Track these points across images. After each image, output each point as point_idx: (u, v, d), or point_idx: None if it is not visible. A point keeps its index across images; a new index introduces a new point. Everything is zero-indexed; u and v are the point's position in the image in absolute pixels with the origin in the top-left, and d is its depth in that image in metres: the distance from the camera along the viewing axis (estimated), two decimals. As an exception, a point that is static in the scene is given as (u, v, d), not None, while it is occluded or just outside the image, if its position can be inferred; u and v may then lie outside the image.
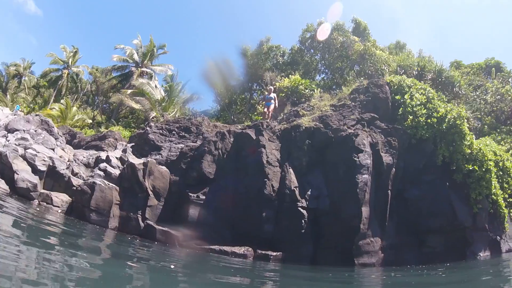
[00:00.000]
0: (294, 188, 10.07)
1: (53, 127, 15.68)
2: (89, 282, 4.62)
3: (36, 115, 16.17)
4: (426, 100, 12.17)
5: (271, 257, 9.10)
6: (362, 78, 17.13)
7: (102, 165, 11.92)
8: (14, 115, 19.45)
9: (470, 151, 11.33)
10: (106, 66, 40.29)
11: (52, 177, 11.57)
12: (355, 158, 10.01)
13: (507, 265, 10.84)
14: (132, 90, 27.43)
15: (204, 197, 10.47)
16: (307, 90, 16.50)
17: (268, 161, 10.68)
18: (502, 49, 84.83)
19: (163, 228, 9.85)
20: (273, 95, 15.00)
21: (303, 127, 11.53)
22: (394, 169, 10.63)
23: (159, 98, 25.46)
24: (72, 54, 42.23)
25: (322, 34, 22.27)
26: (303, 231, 9.49)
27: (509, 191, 12.51)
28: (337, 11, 24.32)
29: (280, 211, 9.95)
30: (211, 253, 9.06)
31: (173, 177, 11.42)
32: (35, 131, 14.26)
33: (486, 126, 17.54)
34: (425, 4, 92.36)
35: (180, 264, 7.65)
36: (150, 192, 10.80)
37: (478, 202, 10.97)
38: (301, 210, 9.70)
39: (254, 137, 11.32)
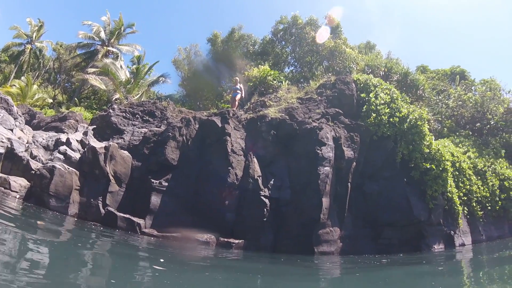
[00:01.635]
0: (258, 178, 10.17)
1: (13, 105, 14.83)
2: (41, 270, 4.46)
3: (-5, 93, 15.25)
4: (390, 100, 12.61)
5: (233, 244, 9.17)
6: (330, 74, 17.39)
7: (62, 148, 11.47)
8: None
9: (428, 150, 11.90)
10: (71, 42, 38.50)
11: (11, 160, 10.88)
12: (318, 151, 10.24)
13: (455, 256, 11.55)
14: (96, 69, 26.41)
15: (166, 184, 10.34)
16: (275, 81, 16.57)
17: (232, 149, 10.69)
18: (468, 59, 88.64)
19: (124, 215, 9.65)
20: (239, 85, 15.00)
21: (269, 118, 11.63)
22: (355, 163, 10.97)
23: (124, 80, 24.58)
24: (37, 27, 40.04)
25: (320, 38, 22.34)
26: (265, 219, 9.63)
27: (464, 190, 13.22)
28: (337, 13, 24.29)
29: (242, 200, 10.03)
30: (173, 240, 8.99)
31: (135, 163, 11.19)
32: (-7, 110, 13.48)
33: (445, 129, 18.29)
34: (400, 8, 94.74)
35: (141, 253, 7.54)
36: (111, 178, 10.53)
37: (434, 198, 11.52)
38: (264, 199, 9.82)
39: (219, 124, 11.28)
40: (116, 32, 34.77)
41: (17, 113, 14.50)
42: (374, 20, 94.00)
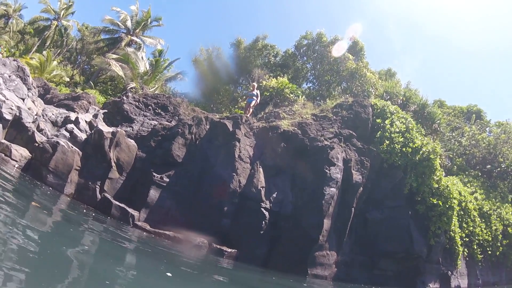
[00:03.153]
0: (261, 188, 9.95)
1: (28, 76, 14.82)
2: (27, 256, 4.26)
3: (14, 60, 15.26)
4: (405, 129, 12.39)
5: (226, 253, 8.93)
6: (347, 95, 17.21)
7: (70, 126, 11.38)
8: (-8, 55, 18.37)
9: (437, 186, 11.63)
10: (97, 26, 38.82)
11: (16, 128, 10.79)
12: (326, 170, 10.01)
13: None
14: (117, 56, 26.48)
15: (167, 179, 10.16)
16: (292, 95, 16.42)
17: (240, 155, 10.50)
18: (486, 99, 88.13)
19: (120, 204, 9.46)
20: (256, 92, 14.86)
21: (282, 129, 11.45)
22: (361, 188, 10.70)
23: (142, 71, 24.63)
24: (66, 6, 40.49)
25: (337, 51, 22.32)
26: (261, 232, 9.38)
27: (467, 231, 12.94)
28: (357, 29, 24.40)
29: (241, 208, 9.80)
30: (164, 238, 8.76)
31: (140, 153, 11.03)
32: (9, 76, 13.43)
33: (455, 167, 18.00)
34: (422, 39, 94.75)
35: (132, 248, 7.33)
36: (113, 164, 10.37)
37: (436, 235, 11.22)
38: (264, 211, 9.61)
39: (231, 128, 11.10)
40: (143, 23, 34.96)
41: (32, 84, 14.48)
42: (395, 48, 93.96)
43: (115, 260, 5.82)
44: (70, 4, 40.77)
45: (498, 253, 14.12)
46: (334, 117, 12.72)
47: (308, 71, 25.29)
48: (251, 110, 14.23)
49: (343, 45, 22.63)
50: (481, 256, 13.45)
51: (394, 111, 13.26)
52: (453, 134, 20.61)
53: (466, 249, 12.85)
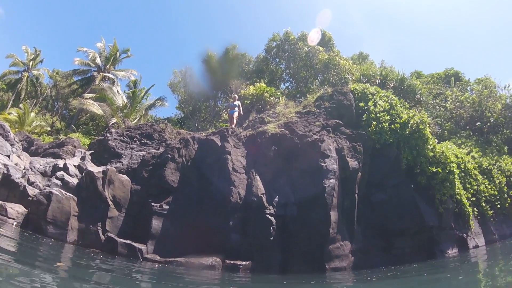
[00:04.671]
0: (261, 195, 9.87)
1: (9, 132, 14.71)
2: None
3: (-8, 119, 15.13)
4: (389, 106, 12.47)
5: (240, 267, 8.77)
6: (326, 87, 17.31)
7: (59, 173, 11.25)
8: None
9: (433, 154, 11.71)
10: (67, 69, 38.65)
11: (7, 187, 10.66)
12: (322, 163, 9.98)
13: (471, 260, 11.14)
14: (93, 95, 26.39)
15: (167, 206, 10.05)
16: (272, 98, 16.46)
17: (234, 168, 10.45)
18: (460, 60, 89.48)
19: (125, 241, 9.33)
20: (237, 102, 14.92)
21: (269, 134, 11.44)
22: (360, 173, 10.71)
23: (121, 105, 24.55)
24: (33, 56, 40.28)
25: (312, 40, 22.45)
26: (271, 238, 9.26)
27: (471, 191, 13.06)
28: (325, 19, 24.84)
29: (247, 219, 9.70)
30: (176, 266, 8.64)
31: (135, 186, 10.92)
32: (-10, 136, 13.30)
33: (446, 132, 18.16)
34: (387, 15, 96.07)
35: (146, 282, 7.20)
36: (110, 203, 10.25)
37: (442, 202, 11.28)
38: (269, 217, 9.50)
39: (219, 143, 11.06)
40: (112, 58, 35.02)
41: (14, 139, 14.36)
42: (363, 32, 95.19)
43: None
44: (37, 53, 40.57)
45: (507, 205, 14.26)
46: (318, 110, 12.75)
47: (283, 71, 25.54)
48: (235, 121, 14.23)
49: (315, 33, 22.80)
50: (491, 212, 13.54)
51: (375, 92, 13.35)
52: (437, 100, 20.81)
53: (475, 209, 12.92)
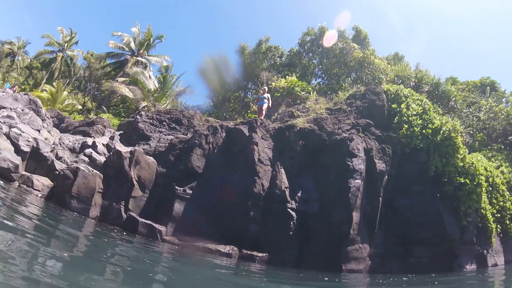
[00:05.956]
0: (285, 189, 9.83)
1: (41, 107, 15.19)
2: (60, 276, 4.27)
3: (25, 94, 15.63)
4: (422, 111, 12.13)
5: (257, 258, 8.80)
6: (359, 85, 17.03)
7: (88, 150, 11.53)
8: (3, 92, 18.79)
9: (462, 164, 11.31)
10: (101, 52, 39.63)
11: (35, 159, 11.07)
12: (349, 163, 9.83)
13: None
14: (125, 78, 26.89)
15: (190, 191, 10.16)
16: (303, 92, 16.33)
17: (259, 159, 10.43)
18: (498, 70, 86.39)
19: (146, 221, 9.49)
20: (267, 95, 14.85)
21: (298, 128, 11.35)
22: (386, 176, 10.48)
23: (152, 89, 24.94)
24: (68, 37, 41.39)
25: (327, 41, 22.19)
26: (290, 233, 9.23)
27: (497, 206, 12.55)
28: (345, 19, 24.49)
29: (268, 212, 9.68)
30: (194, 250, 8.74)
31: (160, 169, 11.08)
32: (22, 110, 13.75)
33: (477, 143, 17.57)
34: (424, 20, 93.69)
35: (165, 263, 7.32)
36: (135, 183, 10.44)
37: (467, 215, 10.90)
38: (290, 211, 9.46)
39: (247, 133, 11.07)
40: (146, 43, 35.54)
41: (46, 115, 14.81)
42: (399, 33, 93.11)
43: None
44: (72, 35, 41.62)
45: (531, 225, 13.62)
46: (349, 108, 12.53)
47: (315, 66, 25.23)
48: (264, 113, 14.20)
49: (332, 34, 22.46)
50: (515, 231, 12.99)
51: (408, 94, 12.97)
52: (470, 109, 20.14)
53: (499, 226, 12.45)
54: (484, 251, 11.76)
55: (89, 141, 12.65)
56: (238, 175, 10.36)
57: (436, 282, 9.12)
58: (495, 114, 18.70)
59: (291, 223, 9.31)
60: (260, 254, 8.93)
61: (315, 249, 9.22)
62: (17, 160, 10.42)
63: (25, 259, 4.27)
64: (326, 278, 8.09)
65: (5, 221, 5.77)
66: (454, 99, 17.85)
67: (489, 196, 12.45)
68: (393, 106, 12.46)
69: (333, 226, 9.20)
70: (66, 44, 41.14)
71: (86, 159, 11.07)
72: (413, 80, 17.78)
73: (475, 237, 11.39)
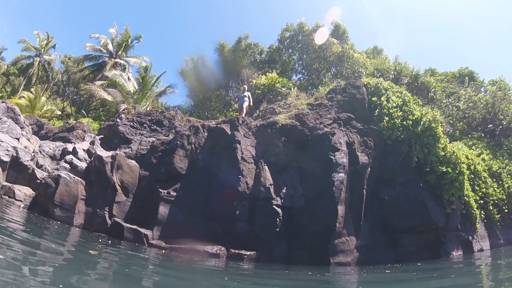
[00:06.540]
0: (269, 186, 9.83)
1: (19, 115, 14.76)
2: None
3: (3, 102, 15.18)
4: (402, 103, 12.29)
5: (245, 256, 8.78)
6: (339, 80, 17.13)
7: (68, 157, 11.29)
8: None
9: (444, 153, 11.50)
10: (79, 55, 38.76)
11: (16, 169, 10.70)
12: (332, 157, 9.89)
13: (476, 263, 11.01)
14: (104, 81, 26.43)
15: (175, 193, 10.06)
16: (284, 88, 16.32)
17: (243, 157, 10.40)
18: (476, 60, 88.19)
19: (132, 226, 9.37)
20: (247, 93, 14.82)
21: (280, 124, 11.35)
22: (369, 169, 10.61)
23: (131, 91, 24.56)
24: (45, 41, 40.43)
25: (319, 38, 22.21)
26: (277, 229, 9.25)
27: (480, 193, 12.85)
28: (334, 15, 24.47)
29: (254, 209, 9.66)
30: (181, 253, 8.65)
31: (143, 172, 10.94)
32: (0, 118, 13.36)
33: (457, 132, 17.89)
34: (403, 13, 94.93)
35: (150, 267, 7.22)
36: (118, 187, 10.28)
37: (451, 203, 11.11)
38: (276, 208, 9.47)
39: (229, 132, 11.01)
40: (124, 44, 34.97)
41: (24, 122, 14.40)
42: (378, 26, 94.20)
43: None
44: (49, 39, 40.72)
45: (515, 209, 13.98)
46: (330, 103, 12.61)
47: (296, 62, 25.30)
48: (245, 110, 14.16)
49: (325, 30, 22.54)
50: (498, 216, 13.31)
51: (388, 87, 13.13)
52: (450, 99, 20.45)
53: (482, 212, 12.72)
54: (470, 237, 12.00)
55: (70, 147, 12.38)
56: (222, 174, 10.31)
57: (424, 269, 9.22)
58: (474, 103, 19.05)
59: (278, 219, 9.32)
60: (248, 253, 8.91)
61: (303, 244, 9.26)
62: (-3, 170, 10.11)
63: (10, 272, 4.13)
64: (310, 273, 8.08)
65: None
66: (433, 90, 18.12)
67: (472, 183, 12.73)
68: (374, 99, 12.59)
69: (319, 220, 9.25)
70: (43, 49, 40.17)
71: (67, 166, 10.84)
72: (393, 72, 17.99)
73: (460, 224, 11.61)
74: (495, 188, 13.54)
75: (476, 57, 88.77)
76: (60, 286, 4.10)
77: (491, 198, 13.24)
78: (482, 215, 12.71)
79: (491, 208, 13.13)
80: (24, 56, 41.10)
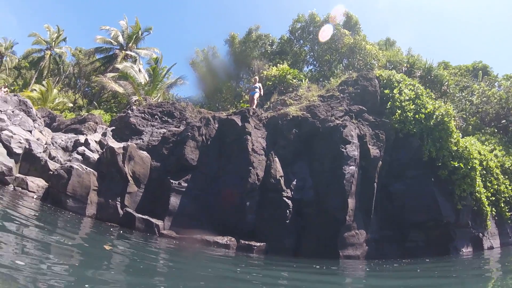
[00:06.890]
0: (280, 178, 9.84)
1: (31, 108, 14.94)
2: (60, 275, 4.22)
3: (15, 95, 15.37)
4: (414, 96, 12.13)
5: (254, 247, 8.81)
6: (351, 71, 16.94)
7: (80, 148, 11.42)
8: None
9: (456, 148, 11.34)
10: (90, 47, 39.04)
11: (28, 161, 10.88)
12: (343, 149, 9.84)
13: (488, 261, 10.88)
14: (115, 74, 26.59)
15: (185, 184, 10.12)
16: (295, 80, 16.20)
17: (253, 149, 10.40)
18: (490, 54, 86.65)
19: (143, 216, 9.48)
20: (258, 84, 14.76)
21: (291, 116, 11.32)
22: (380, 162, 10.51)
23: (142, 82, 24.66)
24: (56, 34, 40.77)
25: (323, 36, 22.00)
26: (287, 221, 9.27)
27: (491, 190, 12.64)
28: (340, 12, 24.06)
29: (264, 201, 9.71)
30: (192, 243, 8.73)
31: (154, 163, 11.02)
32: (13, 111, 13.51)
33: (470, 127, 17.62)
34: (416, 5, 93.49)
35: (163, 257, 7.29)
36: (130, 178, 10.38)
37: (462, 199, 10.97)
38: (286, 200, 9.49)
39: (240, 123, 11.02)
40: (134, 36, 35.07)
41: (36, 115, 14.57)
42: (390, 18, 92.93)
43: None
44: (60, 32, 41.01)
45: (526, 207, 13.75)
46: (341, 95, 12.50)
47: (307, 53, 25.02)
48: (255, 102, 14.12)
49: (328, 28, 22.26)
50: (509, 214, 13.15)
51: (401, 79, 12.97)
52: (463, 94, 20.12)
53: (493, 209, 12.55)
54: (480, 234, 11.87)
55: (82, 138, 12.51)
56: (232, 166, 10.34)
57: (432, 265, 9.15)
58: (487, 98, 18.72)
59: (287, 211, 9.33)
60: (258, 244, 8.95)
61: (312, 237, 9.26)
62: (10, 162, 10.24)
63: (25, 263, 4.19)
64: (317, 266, 8.05)
65: (2, 226, 5.68)
66: (446, 83, 17.84)
67: (484, 179, 12.53)
68: (386, 91, 12.46)
69: (329, 213, 9.24)
70: (53, 42, 40.51)
71: (80, 157, 10.97)
72: (405, 65, 17.75)
73: (470, 220, 11.48)
74: (507, 185, 13.33)
75: (490, 51, 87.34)
76: (76, 278, 4.16)
77: (502, 195, 13.05)
78: (493, 212, 12.56)
79: (503, 206, 12.97)
80: (35, 49, 41.51)
